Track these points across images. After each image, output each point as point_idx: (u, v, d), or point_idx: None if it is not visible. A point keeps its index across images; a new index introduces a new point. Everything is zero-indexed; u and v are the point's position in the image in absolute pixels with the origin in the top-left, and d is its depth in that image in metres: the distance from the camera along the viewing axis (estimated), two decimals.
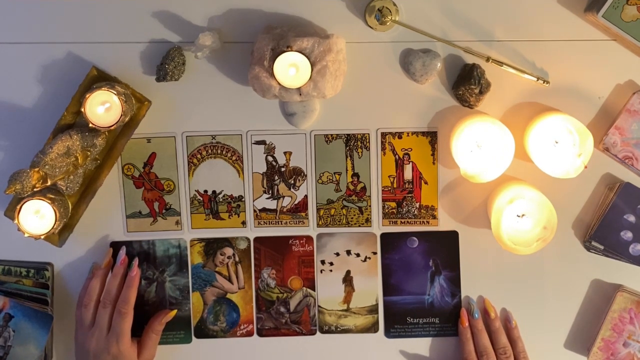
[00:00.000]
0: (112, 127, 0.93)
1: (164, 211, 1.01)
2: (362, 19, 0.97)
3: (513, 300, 1.01)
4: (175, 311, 1.01)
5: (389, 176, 1.00)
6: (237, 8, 0.97)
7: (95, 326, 0.95)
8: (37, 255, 1.00)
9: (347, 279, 1.02)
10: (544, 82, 0.96)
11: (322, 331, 1.02)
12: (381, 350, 1.02)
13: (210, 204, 1.01)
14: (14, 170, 0.91)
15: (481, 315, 1.00)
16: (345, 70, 0.95)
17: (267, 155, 1.00)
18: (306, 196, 1.00)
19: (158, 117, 0.98)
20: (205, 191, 1.01)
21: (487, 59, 0.95)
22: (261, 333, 1.03)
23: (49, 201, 0.93)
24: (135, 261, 0.99)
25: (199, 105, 0.99)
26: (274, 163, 1.00)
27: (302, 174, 1.00)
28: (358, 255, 1.01)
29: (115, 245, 1.00)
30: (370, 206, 1.00)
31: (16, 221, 0.93)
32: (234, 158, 1.00)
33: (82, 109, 0.92)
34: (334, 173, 1.00)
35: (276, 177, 1.00)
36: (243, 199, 1.01)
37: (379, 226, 1.01)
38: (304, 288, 1.02)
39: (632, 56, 0.96)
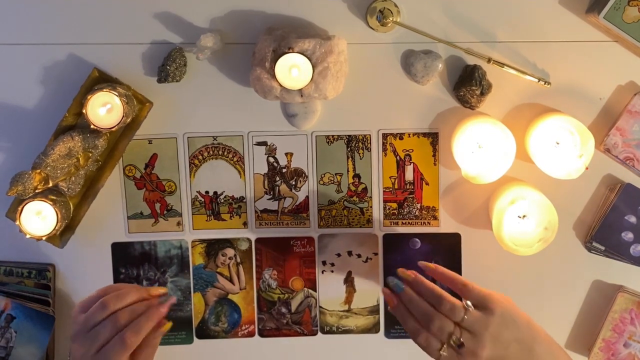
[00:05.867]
0: (114, 129, 0.93)
1: (165, 212, 1.01)
2: (363, 20, 0.97)
3: (513, 300, 1.00)
4: (170, 324, 0.88)
5: (390, 177, 1.00)
6: (238, 9, 0.97)
7: (88, 338, 0.83)
8: (39, 257, 1.00)
9: (349, 280, 1.02)
10: (545, 83, 0.96)
11: (324, 332, 1.02)
12: (382, 350, 1.02)
13: (212, 205, 1.01)
14: (16, 171, 0.91)
15: (405, 284, 0.87)
16: (346, 71, 0.95)
17: (268, 156, 1.00)
18: (307, 197, 1.01)
19: (159, 118, 0.98)
20: (207, 192, 1.01)
21: (489, 60, 0.95)
22: (262, 334, 1.03)
23: (51, 202, 0.93)
24: (172, 299, 0.88)
25: (200, 107, 0.99)
26: (275, 164, 1.00)
27: (304, 175, 1.00)
28: (359, 256, 1.01)
29: (119, 247, 1.00)
30: (371, 207, 1.01)
31: (18, 222, 0.93)
32: (235, 159, 1.00)
33: (84, 111, 0.92)
34: (335, 174, 1.00)
35: (277, 178, 1.00)
36: (244, 200, 1.01)
37: (380, 227, 1.01)
38: (305, 289, 1.02)
39: (634, 57, 0.96)
